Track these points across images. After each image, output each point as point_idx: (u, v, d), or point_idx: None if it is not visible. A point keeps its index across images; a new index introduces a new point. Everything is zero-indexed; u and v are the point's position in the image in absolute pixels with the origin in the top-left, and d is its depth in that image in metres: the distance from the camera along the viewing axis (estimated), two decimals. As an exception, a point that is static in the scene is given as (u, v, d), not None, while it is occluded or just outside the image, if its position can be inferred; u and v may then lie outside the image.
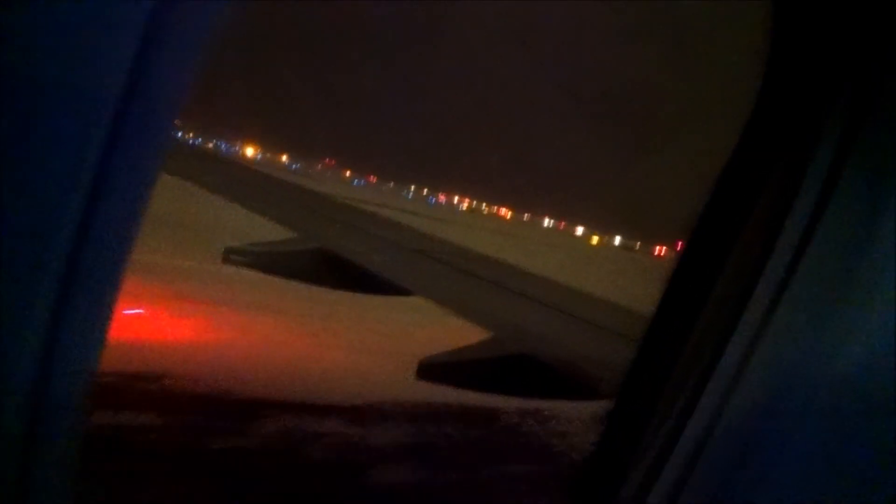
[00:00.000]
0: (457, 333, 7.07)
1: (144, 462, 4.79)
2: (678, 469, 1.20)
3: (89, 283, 0.71)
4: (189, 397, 6.02)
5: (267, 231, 7.64)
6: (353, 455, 5.81)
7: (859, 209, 1.12)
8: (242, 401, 6.24)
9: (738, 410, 1.16)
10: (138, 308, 7.29)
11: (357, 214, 9.65)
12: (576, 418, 7.09)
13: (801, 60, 1.20)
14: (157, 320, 7.28)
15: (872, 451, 1.11)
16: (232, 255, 8.37)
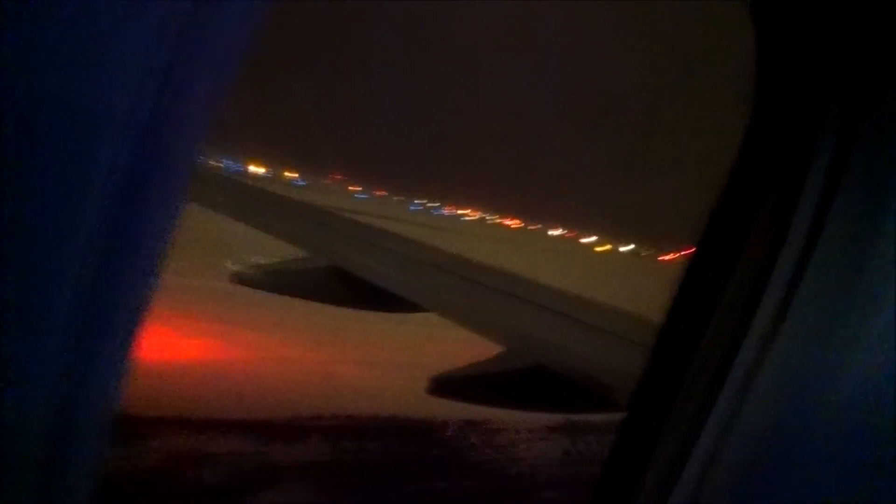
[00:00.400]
0: (469, 348, 7.05)
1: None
2: (692, 478, 1.20)
3: (117, 305, 0.70)
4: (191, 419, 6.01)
5: (276, 249, 7.65)
6: (248, 476, 5.69)
7: (862, 210, 1.12)
8: (249, 421, 6.22)
9: (750, 417, 1.16)
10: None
11: (366, 230, 9.67)
12: (524, 429, 7.00)
13: (794, 64, 1.20)
14: (163, 340, 7.29)
15: (883, 456, 1.11)
16: (241, 275, 8.42)
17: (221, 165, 16.93)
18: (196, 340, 7.58)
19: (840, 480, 1.13)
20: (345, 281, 7.29)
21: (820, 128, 1.17)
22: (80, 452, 0.73)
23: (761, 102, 1.26)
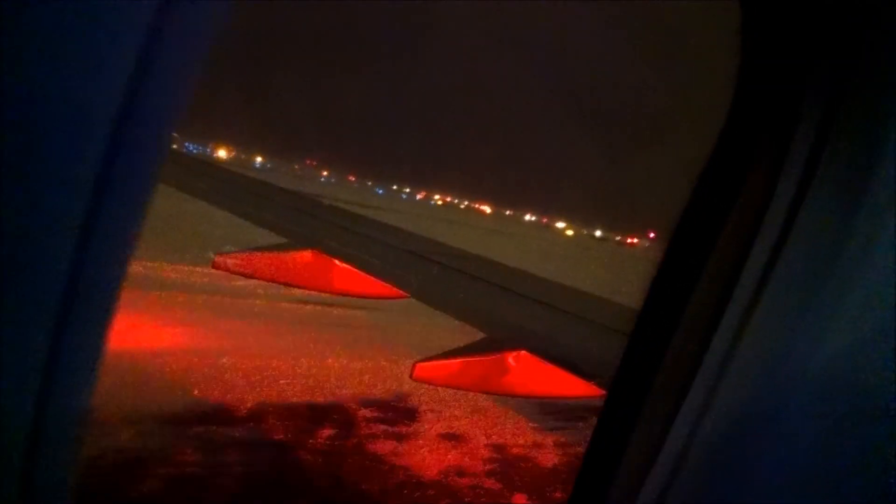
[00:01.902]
0: (452, 335, 7.08)
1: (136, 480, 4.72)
2: (668, 463, 1.20)
3: (90, 293, 0.70)
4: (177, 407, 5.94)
5: (256, 235, 7.59)
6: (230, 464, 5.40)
7: (836, 201, 1.13)
8: (234, 408, 6.20)
9: (724, 403, 1.17)
10: (127, 316, 7.22)
11: (345, 216, 9.64)
12: (433, 437, 7.04)
13: (773, 59, 1.22)
14: (145, 328, 7.22)
15: (857, 446, 1.12)
16: (221, 260, 8.30)
17: (188, 149, 16.60)
18: (177, 328, 7.53)
19: (813, 464, 1.15)
20: (327, 268, 7.29)
21: (798, 119, 1.18)
22: (57, 446, 0.73)
23: (740, 93, 1.28)
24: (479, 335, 6.55)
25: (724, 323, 1.20)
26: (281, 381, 6.98)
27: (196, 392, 6.30)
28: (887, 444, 1.10)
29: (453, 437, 6.61)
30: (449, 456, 6.16)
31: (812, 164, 1.15)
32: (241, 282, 7.98)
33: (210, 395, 6.33)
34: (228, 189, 9.96)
